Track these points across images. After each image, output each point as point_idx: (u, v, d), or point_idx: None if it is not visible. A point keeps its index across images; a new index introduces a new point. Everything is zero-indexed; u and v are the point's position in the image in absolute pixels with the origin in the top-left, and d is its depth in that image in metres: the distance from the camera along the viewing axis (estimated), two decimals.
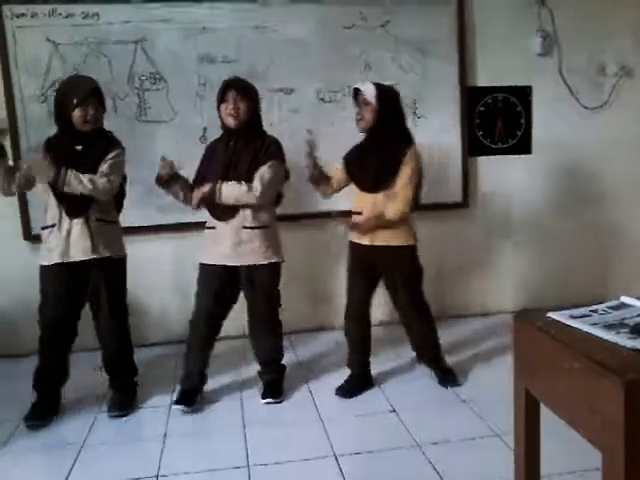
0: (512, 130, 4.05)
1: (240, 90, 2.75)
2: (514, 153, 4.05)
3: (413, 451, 2.39)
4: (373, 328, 3.06)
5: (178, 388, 2.94)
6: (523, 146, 4.07)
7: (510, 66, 3.94)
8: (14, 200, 3.45)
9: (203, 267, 2.85)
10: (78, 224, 2.70)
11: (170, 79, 3.61)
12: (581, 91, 4.03)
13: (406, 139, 2.83)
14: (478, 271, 4.08)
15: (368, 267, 2.91)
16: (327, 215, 3.19)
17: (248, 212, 2.78)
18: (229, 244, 2.78)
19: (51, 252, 2.70)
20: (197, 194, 2.76)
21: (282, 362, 3.06)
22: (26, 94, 3.50)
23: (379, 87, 2.78)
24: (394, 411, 2.74)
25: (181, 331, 3.09)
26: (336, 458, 2.36)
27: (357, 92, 2.82)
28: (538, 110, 4.03)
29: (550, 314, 1.54)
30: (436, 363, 3.05)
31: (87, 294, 2.80)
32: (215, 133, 3.57)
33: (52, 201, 2.71)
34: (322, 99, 3.76)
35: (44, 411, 2.80)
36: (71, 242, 2.69)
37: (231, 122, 2.75)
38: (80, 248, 2.70)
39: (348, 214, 2.93)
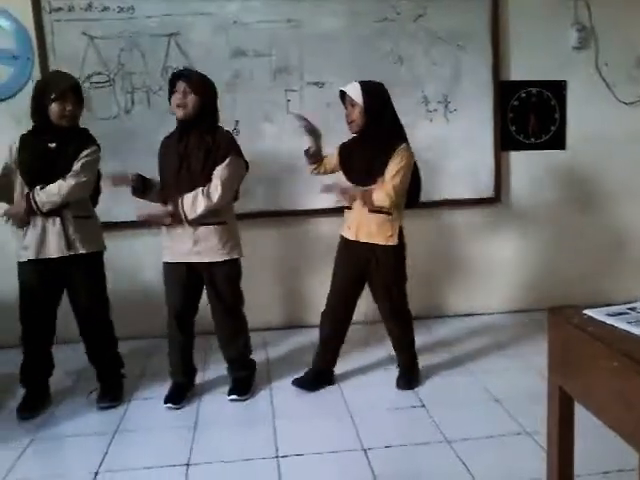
0: (546, 125, 3.99)
1: (189, 81, 2.67)
2: (547, 148, 3.99)
3: (442, 447, 2.38)
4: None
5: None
6: (557, 141, 4.01)
7: (545, 60, 3.88)
8: None
9: (165, 266, 2.84)
10: (54, 221, 2.71)
11: (203, 72, 3.61)
12: (617, 85, 3.95)
13: (397, 137, 2.75)
14: (509, 266, 4.04)
15: (352, 263, 2.86)
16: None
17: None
18: (187, 242, 2.74)
19: (27, 250, 2.71)
20: (161, 218, 2.73)
21: (252, 358, 3.04)
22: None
23: (365, 86, 2.70)
24: (423, 406, 2.74)
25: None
26: (365, 451, 2.37)
27: (343, 94, 2.77)
28: (573, 105, 3.96)
29: (586, 311, 1.53)
30: (405, 367, 3.01)
31: (65, 290, 2.82)
32: (247, 126, 3.63)
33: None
34: None
35: (33, 403, 2.85)
36: (46, 239, 2.70)
37: (180, 113, 2.67)
38: (56, 245, 2.70)
39: (340, 210, 2.92)
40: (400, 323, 2.95)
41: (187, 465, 2.33)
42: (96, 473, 2.30)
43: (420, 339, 3.57)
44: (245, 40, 3.63)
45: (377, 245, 2.78)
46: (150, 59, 3.59)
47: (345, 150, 2.89)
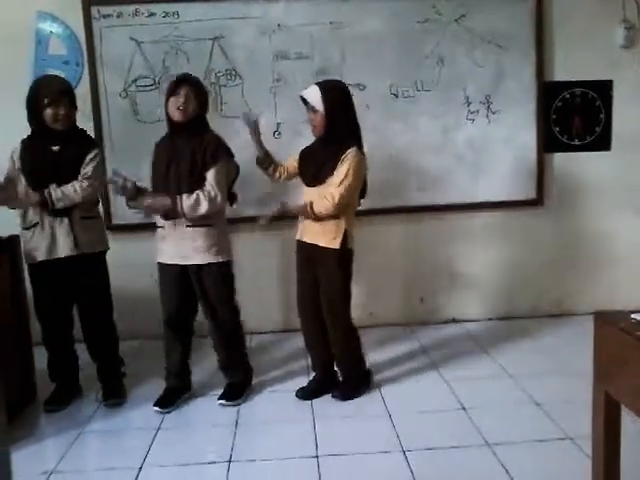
0: (590, 126, 3.92)
1: (193, 86, 2.72)
2: (592, 150, 3.92)
3: (483, 450, 2.37)
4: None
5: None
6: (602, 142, 3.93)
7: (590, 60, 3.81)
8: None
9: (159, 266, 2.86)
10: (62, 222, 2.77)
11: (245, 75, 3.69)
12: None
13: (350, 140, 2.70)
14: (552, 269, 3.98)
15: (303, 264, 2.86)
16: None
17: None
18: (175, 243, 2.76)
19: (36, 251, 2.78)
20: (158, 208, 2.72)
21: (247, 363, 3.03)
22: (110, 90, 3.67)
23: (324, 90, 2.68)
24: (464, 409, 2.72)
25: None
26: (404, 453, 2.37)
27: (304, 99, 2.75)
28: (619, 105, 3.88)
29: (634, 315, 1.50)
30: (345, 382, 2.94)
31: (73, 289, 2.89)
32: (289, 128, 3.67)
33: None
34: (395, 94, 3.75)
35: (62, 396, 2.94)
36: (56, 240, 2.77)
37: (179, 116, 2.68)
38: (65, 245, 2.77)
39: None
40: (342, 338, 2.86)
41: (229, 462, 2.37)
42: (140, 468, 2.36)
43: (460, 342, 3.58)
44: (287, 43, 3.67)
45: (320, 246, 2.75)
46: (194, 62, 3.65)
47: (304, 153, 2.87)
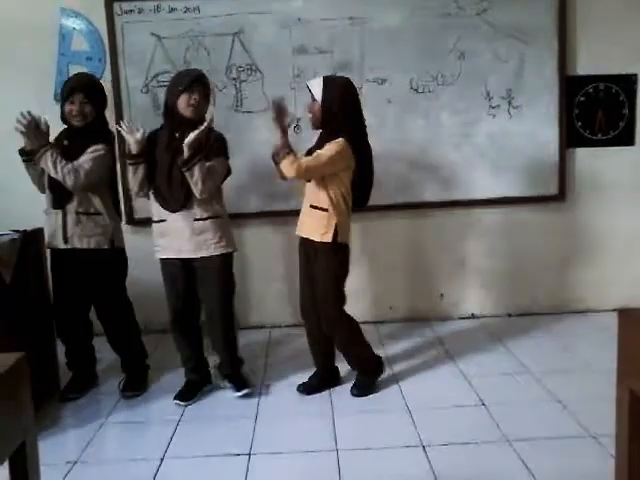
0: (614, 121, 3.87)
1: (205, 87, 2.76)
2: (615, 145, 3.87)
3: (503, 446, 2.36)
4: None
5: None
6: (625, 137, 3.88)
7: (614, 54, 3.76)
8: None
9: (162, 262, 2.86)
10: (57, 214, 2.85)
11: (265, 70, 3.70)
12: None
13: (341, 134, 2.67)
14: (573, 266, 3.94)
15: (304, 259, 2.87)
16: None
17: (198, 204, 2.76)
18: (182, 237, 2.76)
19: (46, 237, 2.90)
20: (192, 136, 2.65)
21: (240, 355, 3.04)
22: (131, 85, 3.70)
23: (326, 82, 2.69)
24: (484, 405, 2.71)
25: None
26: (424, 448, 2.37)
27: (309, 87, 2.76)
28: None
29: None
30: (359, 376, 2.94)
31: (82, 282, 2.92)
32: (308, 123, 3.66)
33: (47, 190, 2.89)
34: (415, 89, 3.73)
35: (78, 385, 3.01)
36: (55, 230, 2.86)
37: (191, 113, 2.70)
38: (58, 237, 2.85)
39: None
40: (338, 331, 2.85)
41: (249, 455, 2.39)
42: (161, 459, 2.39)
43: (480, 338, 3.56)
44: (307, 37, 3.67)
45: (313, 241, 2.76)
46: (215, 58, 3.67)
47: (308, 152, 2.83)
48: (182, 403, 2.86)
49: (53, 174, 2.75)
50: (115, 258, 2.97)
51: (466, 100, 3.75)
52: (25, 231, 2.84)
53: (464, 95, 3.74)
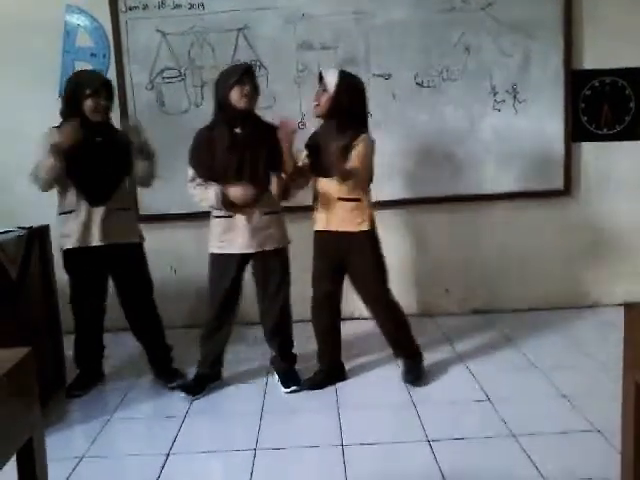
0: (620, 115, 3.85)
1: (254, 77, 2.77)
2: (621, 139, 3.85)
3: (508, 441, 2.36)
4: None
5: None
6: (632, 132, 3.86)
7: (620, 47, 3.73)
8: None
9: (219, 257, 2.84)
10: (97, 211, 2.83)
11: (270, 66, 3.69)
12: None
13: (360, 128, 2.73)
14: (579, 261, 3.93)
15: (328, 254, 2.84)
16: None
17: (266, 198, 2.79)
18: (248, 231, 2.78)
19: (70, 237, 2.83)
20: (238, 194, 2.71)
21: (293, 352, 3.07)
22: (135, 82, 3.71)
23: (342, 77, 2.70)
24: (489, 400, 2.71)
25: None
26: (429, 443, 2.37)
27: (321, 77, 2.74)
28: None
29: None
30: (408, 360, 2.96)
31: (109, 278, 2.95)
32: (313, 118, 3.66)
33: (72, 188, 2.83)
34: (420, 84, 3.73)
35: (85, 382, 3.01)
36: (90, 228, 2.83)
37: (245, 104, 2.70)
38: (98, 234, 2.83)
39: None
40: (388, 315, 2.89)
41: (254, 450, 2.39)
42: (167, 455, 2.39)
43: (485, 333, 3.55)
44: (312, 33, 3.67)
45: (349, 232, 2.76)
46: (219, 53, 3.67)
47: (312, 145, 2.82)
48: (190, 396, 2.86)
49: (152, 175, 2.95)
50: (143, 251, 3.03)
51: (471, 95, 3.74)
52: (31, 228, 2.86)
53: (469, 90, 3.73)
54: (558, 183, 3.82)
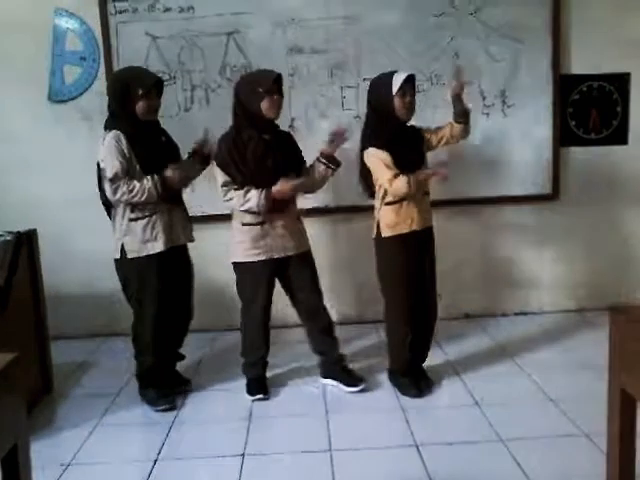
0: (607, 119, 3.87)
1: (281, 83, 2.78)
2: (609, 144, 3.87)
3: (496, 445, 2.37)
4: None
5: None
6: (619, 136, 3.89)
7: (607, 52, 3.75)
8: None
9: (253, 264, 2.80)
10: (178, 210, 2.83)
11: (259, 69, 3.68)
12: None
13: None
14: (567, 265, 3.94)
15: (420, 254, 2.81)
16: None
17: (296, 202, 2.88)
18: (285, 235, 2.80)
19: (157, 241, 2.72)
20: (286, 187, 2.71)
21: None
22: None
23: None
24: (477, 404, 2.72)
25: None
26: (417, 448, 2.37)
27: (413, 80, 2.76)
28: (637, 98, 3.83)
29: None
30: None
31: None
32: (303, 122, 3.67)
33: None
34: None
35: (170, 394, 2.88)
36: (174, 229, 2.79)
37: (275, 114, 2.75)
38: (181, 234, 2.83)
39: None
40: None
41: (242, 456, 2.39)
42: (155, 461, 2.38)
43: (475, 338, 3.56)
44: (302, 37, 3.66)
45: (429, 227, 2.84)
46: (209, 58, 3.67)
47: (396, 143, 2.74)
48: (265, 397, 2.87)
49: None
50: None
51: None
52: (19, 232, 2.84)
53: None
54: (546, 187, 3.84)
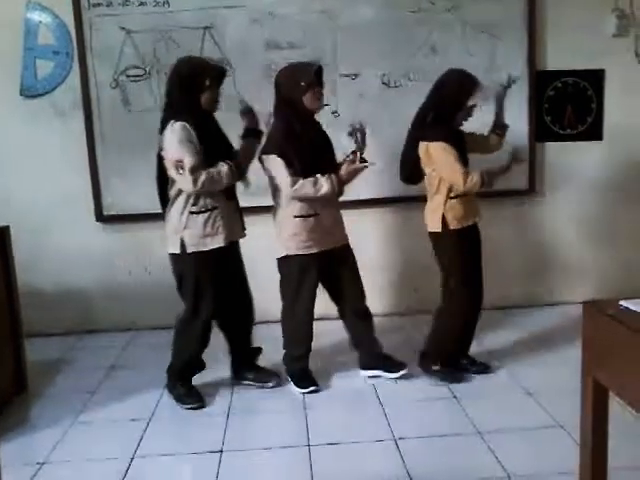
0: (582, 116, 3.91)
1: (322, 77, 2.82)
2: (584, 139, 3.92)
3: (474, 438, 2.38)
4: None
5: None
6: (594, 132, 3.93)
7: (582, 49, 3.79)
8: (87, 182, 3.64)
9: (303, 257, 2.79)
10: (233, 205, 2.79)
11: (236, 65, 3.66)
12: None
13: None
14: (543, 259, 3.98)
15: (478, 250, 2.94)
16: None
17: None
18: (334, 226, 2.85)
19: (217, 236, 2.68)
20: (351, 170, 2.76)
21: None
22: (99, 80, 3.64)
23: None
24: (455, 397, 2.73)
25: None
26: (396, 442, 2.38)
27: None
28: (611, 94, 3.88)
29: (623, 302, 1.51)
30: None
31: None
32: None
33: None
34: (386, 84, 3.74)
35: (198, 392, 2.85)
36: (232, 223, 2.75)
37: (318, 106, 2.79)
38: (237, 229, 2.81)
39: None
40: None
41: (220, 452, 2.37)
42: (132, 458, 2.36)
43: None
44: (279, 32, 3.65)
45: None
46: (185, 52, 3.56)
47: (460, 140, 2.89)
48: (318, 387, 2.86)
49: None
50: None
51: None
52: None
53: None
54: (522, 182, 3.86)
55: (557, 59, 3.82)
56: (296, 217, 2.77)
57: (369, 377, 2.96)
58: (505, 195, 3.86)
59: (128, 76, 3.65)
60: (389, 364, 2.94)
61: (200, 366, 2.88)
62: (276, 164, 2.72)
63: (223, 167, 2.63)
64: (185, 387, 2.82)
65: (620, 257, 3.98)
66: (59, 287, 3.72)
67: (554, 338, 3.40)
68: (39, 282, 3.65)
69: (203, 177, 2.57)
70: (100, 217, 3.73)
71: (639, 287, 3.65)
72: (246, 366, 2.98)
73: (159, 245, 3.66)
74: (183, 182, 2.59)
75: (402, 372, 2.89)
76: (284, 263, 2.84)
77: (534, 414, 2.55)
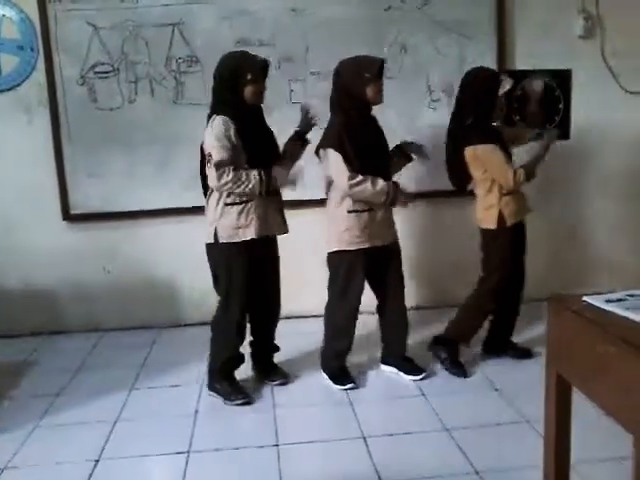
0: (549, 115, 3.95)
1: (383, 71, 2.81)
2: None
3: (441, 435, 2.39)
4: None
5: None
6: (561, 131, 3.95)
7: (550, 49, 3.83)
8: (54, 180, 3.57)
9: (357, 252, 2.76)
10: (274, 201, 2.75)
11: (206, 62, 3.60)
12: (623, 74, 3.91)
13: None
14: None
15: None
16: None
17: None
18: (386, 222, 2.83)
19: (249, 227, 2.65)
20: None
21: None
22: (66, 76, 3.57)
23: None
24: (423, 395, 2.74)
25: None
26: (364, 439, 2.37)
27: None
28: (578, 94, 3.91)
29: (585, 298, 1.52)
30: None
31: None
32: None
33: None
34: None
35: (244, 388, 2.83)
36: (269, 218, 2.70)
37: (380, 99, 2.79)
38: (275, 224, 2.75)
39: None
40: None
41: (187, 453, 2.34)
42: (97, 461, 2.31)
43: (421, 330, 3.54)
44: (249, 29, 3.62)
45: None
46: (154, 49, 3.58)
47: (500, 138, 2.98)
48: (355, 385, 2.83)
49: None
50: None
51: (407, 94, 3.77)
52: None
53: (405, 89, 3.76)
54: None
55: (526, 59, 3.85)
56: (350, 212, 2.76)
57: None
58: (474, 194, 3.88)
59: (96, 73, 3.59)
60: (409, 367, 2.95)
61: (240, 360, 2.86)
62: (334, 158, 2.70)
63: (254, 178, 2.59)
64: (229, 383, 2.80)
65: (590, 254, 4.04)
66: (24, 287, 3.65)
67: (519, 334, 3.41)
68: (4, 282, 3.57)
69: (229, 176, 2.55)
70: (67, 216, 3.66)
71: (602, 283, 3.70)
72: (261, 361, 2.98)
73: (124, 244, 3.65)
74: (210, 176, 2.60)
75: (420, 376, 2.90)
76: (335, 258, 2.82)
77: (501, 410, 2.57)
